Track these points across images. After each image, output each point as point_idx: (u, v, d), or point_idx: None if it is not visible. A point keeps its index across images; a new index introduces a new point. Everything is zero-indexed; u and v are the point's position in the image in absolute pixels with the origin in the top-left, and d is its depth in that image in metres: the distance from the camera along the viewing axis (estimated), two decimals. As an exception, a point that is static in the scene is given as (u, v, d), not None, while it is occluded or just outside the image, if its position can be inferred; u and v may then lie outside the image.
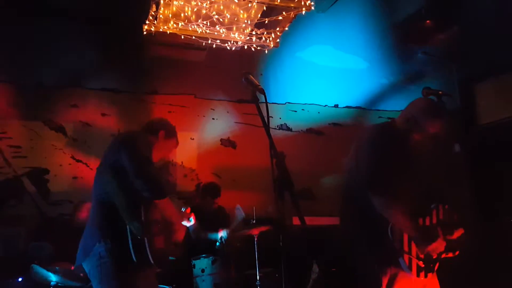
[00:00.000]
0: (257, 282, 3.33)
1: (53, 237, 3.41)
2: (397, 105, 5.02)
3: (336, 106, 4.93)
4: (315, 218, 3.96)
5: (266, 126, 1.74)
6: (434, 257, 2.19)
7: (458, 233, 2.22)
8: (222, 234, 3.52)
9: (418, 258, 2.13)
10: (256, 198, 3.93)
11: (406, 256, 2.12)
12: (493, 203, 4.34)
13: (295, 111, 4.77)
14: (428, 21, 3.74)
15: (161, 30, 3.62)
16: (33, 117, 3.93)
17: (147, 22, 3.64)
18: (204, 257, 3.37)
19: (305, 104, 4.82)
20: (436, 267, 2.21)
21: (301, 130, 4.74)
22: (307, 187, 4.56)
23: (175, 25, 3.56)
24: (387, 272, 2.14)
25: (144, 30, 3.68)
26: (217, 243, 3.46)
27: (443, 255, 2.23)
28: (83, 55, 4.11)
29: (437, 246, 2.16)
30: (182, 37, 3.65)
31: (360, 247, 2.25)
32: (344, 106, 4.96)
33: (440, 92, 2.36)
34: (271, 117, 4.64)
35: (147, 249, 1.90)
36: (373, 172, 2.13)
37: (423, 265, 2.14)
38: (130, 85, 4.29)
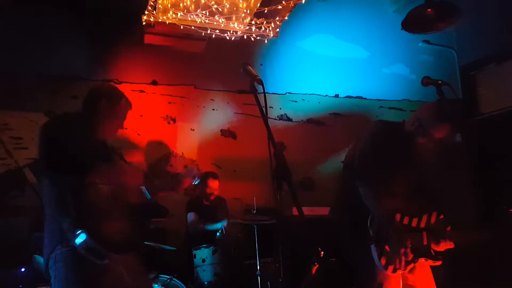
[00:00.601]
0: (258, 272, 3.36)
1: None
2: (398, 95, 5.00)
3: (336, 96, 4.91)
4: (315, 208, 3.96)
5: (264, 116, 1.74)
6: (409, 257, 2.20)
7: (445, 246, 2.24)
8: (222, 224, 3.54)
9: (392, 253, 2.15)
10: (256, 188, 3.95)
11: (377, 248, 2.15)
12: (494, 193, 4.34)
13: (296, 101, 4.74)
14: (429, 9, 3.69)
15: (160, 20, 3.60)
16: (34, 109, 3.93)
17: (146, 12, 3.62)
18: (205, 247, 3.40)
19: (306, 94, 4.79)
20: (408, 268, 2.22)
21: (302, 120, 4.72)
22: (307, 177, 4.56)
23: (174, 15, 3.54)
24: (372, 266, 2.18)
25: (143, 20, 3.66)
26: (218, 233, 3.49)
27: (422, 260, 2.25)
28: (83, 46, 4.09)
29: (415, 247, 2.19)
30: (181, 27, 3.64)
31: (349, 238, 2.29)
32: (345, 96, 4.93)
33: (439, 82, 2.35)
34: (271, 107, 4.65)
35: (92, 241, 1.69)
36: (365, 163, 2.16)
37: (396, 261, 2.17)
38: (129, 76, 4.28)
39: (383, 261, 2.16)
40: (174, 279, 3.18)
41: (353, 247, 2.30)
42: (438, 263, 2.27)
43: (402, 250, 2.17)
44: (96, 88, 2.24)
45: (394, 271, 2.18)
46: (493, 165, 4.65)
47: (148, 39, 4.05)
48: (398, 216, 2.25)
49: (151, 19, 3.58)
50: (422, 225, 2.29)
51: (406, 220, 2.25)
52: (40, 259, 3.00)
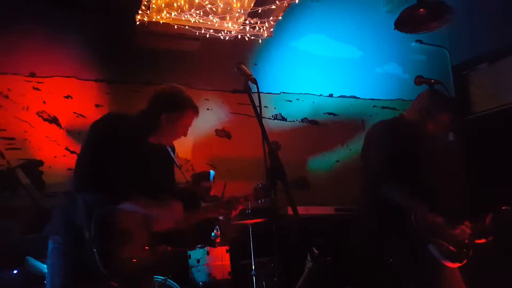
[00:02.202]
0: (253, 272, 3.36)
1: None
2: (391, 94, 5.03)
3: (330, 95, 4.92)
4: (309, 207, 3.98)
5: (259, 116, 1.74)
6: (466, 241, 2.18)
7: (483, 240, 2.24)
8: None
9: (448, 243, 2.13)
10: (251, 188, 3.94)
11: (437, 242, 2.12)
12: (486, 190, 4.38)
13: (290, 101, 4.75)
14: (422, 9, 3.72)
15: (154, 20, 3.59)
16: (26, 109, 3.89)
17: (139, 12, 3.60)
18: (200, 248, 3.39)
19: (300, 93, 4.80)
20: (470, 253, 2.20)
21: (296, 120, 4.73)
22: (302, 176, 4.57)
23: (168, 15, 3.53)
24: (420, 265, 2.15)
25: (137, 20, 3.64)
26: (212, 233, 3.48)
27: (476, 241, 2.23)
28: (76, 45, 4.06)
29: (463, 231, 2.17)
30: (175, 27, 3.62)
31: (383, 239, 2.27)
32: (339, 95, 4.95)
33: (432, 81, 2.38)
34: (266, 107, 4.66)
35: (98, 261, 1.66)
36: (386, 168, 2.15)
37: (454, 250, 2.14)
38: (123, 76, 4.25)
39: (446, 255, 2.11)
40: (168, 280, 3.16)
41: (394, 249, 2.26)
42: (490, 238, 2.27)
43: (456, 238, 2.14)
44: (162, 93, 2.08)
45: (462, 261, 2.15)
46: (485, 163, 4.69)
47: (141, 38, 4.03)
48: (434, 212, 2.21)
49: (145, 19, 3.57)
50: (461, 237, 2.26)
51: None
52: (32, 261, 2.97)
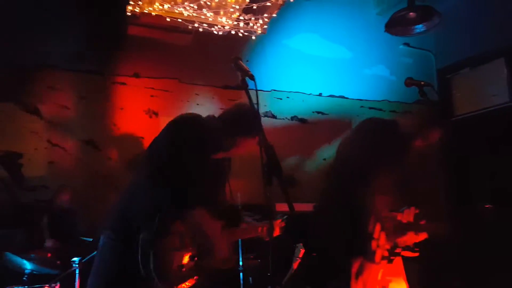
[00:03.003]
0: (240, 268, 3.37)
1: (28, 223, 3.31)
2: (378, 95, 5.13)
3: (320, 94, 4.97)
4: (297, 204, 4.00)
5: (257, 112, 1.74)
6: (398, 250, 2.31)
7: (422, 237, 2.35)
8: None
9: (384, 247, 2.26)
10: (242, 184, 3.94)
11: (374, 242, 2.23)
12: (469, 191, 4.54)
13: (280, 99, 4.77)
14: (411, 13, 3.80)
15: (145, 11, 3.53)
16: (4, 99, 3.76)
17: (131, 2, 3.54)
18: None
19: (290, 92, 4.83)
20: (394, 260, 2.33)
21: (286, 118, 4.76)
22: (290, 174, 4.61)
23: (160, 7, 3.49)
24: (357, 260, 2.25)
25: (128, 11, 3.58)
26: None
27: (404, 252, 2.36)
28: (63, 35, 3.95)
29: (407, 239, 2.29)
30: (168, 19, 3.58)
31: (334, 235, 2.35)
32: (328, 95, 5.01)
33: (422, 83, 2.43)
34: (256, 104, 4.63)
35: (151, 263, 1.65)
36: (364, 163, 2.21)
37: (386, 254, 2.26)
38: (111, 67, 4.16)
39: (378, 256, 2.22)
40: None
41: (342, 244, 2.35)
42: (416, 254, 2.38)
43: (395, 244, 2.25)
44: (242, 116, 2.02)
45: (388, 262, 2.25)
46: (467, 164, 4.85)
47: (132, 30, 3.96)
48: (390, 212, 2.32)
49: (137, 10, 3.50)
50: (405, 220, 2.38)
51: (396, 216, 2.34)
52: (11, 257, 2.86)
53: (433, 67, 5.52)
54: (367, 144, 2.27)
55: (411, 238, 2.33)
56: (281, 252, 3.20)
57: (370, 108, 5.14)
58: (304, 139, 4.70)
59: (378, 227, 2.21)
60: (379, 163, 2.20)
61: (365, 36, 5.04)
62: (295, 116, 4.78)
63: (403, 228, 2.29)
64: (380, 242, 2.25)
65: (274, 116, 4.70)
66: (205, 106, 4.45)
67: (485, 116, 4.93)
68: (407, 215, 2.38)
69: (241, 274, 3.37)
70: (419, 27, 3.95)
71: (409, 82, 2.51)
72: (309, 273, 3.33)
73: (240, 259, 3.39)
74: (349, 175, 2.28)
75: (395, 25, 3.93)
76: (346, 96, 5.05)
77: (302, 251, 3.27)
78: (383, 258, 2.24)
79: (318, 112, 4.88)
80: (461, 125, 5.18)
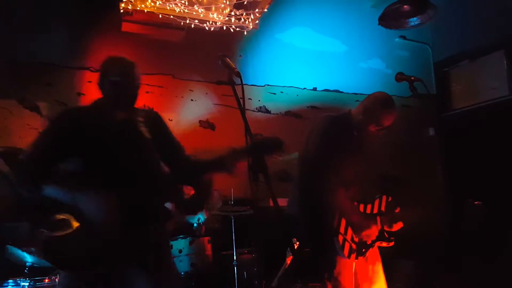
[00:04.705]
0: (234, 262, 3.41)
1: (29, 217, 3.36)
2: (374, 89, 5.10)
3: (314, 89, 4.96)
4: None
5: (242, 108, 1.77)
6: (368, 242, 2.33)
7: (397, 227, 2.37)
8: (199, 215, 3.56)
9: (352, 240, 2.28)
10: (234, 179, 3.95)
11: (340, 237, 2.25)
12: (464, 186, 4.52)
13: (274, 94, 4.76)
14: (405, 5, 3.77)
15: (138, 8, 3.54)
16: (5, 95, 3.81)
17: (123, 0, 3.55)
18: (182, 238, 3.42)
19: (284, 86, 4.82)
20: (367, 253, 2.35)
21: (280, 113, 4.75)
22: (283, 169, 4.62)
23: (152, 4, 3.49)
24: (328, 255, 2.28)
25: (121, 8, 3.59)
26: (195, 224, 3.50)
27: (378, 243, 2.38)
28: (58, 32, 3.97)
29: (371, 233, 2.31)
30: (160, 16, 3.58)
31: (302, 229, 2.38)
32: (323, 89, 4.99)
33: (412, 78, 2.45)
34: (250, 99, 4.66)
35: None
36: (321, 158, 2.24)
37: (355, 247, 2.29)
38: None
39: (346, 250, 2.25)
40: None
41: (313, 240, 2.38)
42: (391, 244, 2.41)
43: (363, 236, 2.27)
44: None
45: (356, 258, 2.29)
46: (463, 158, 4.83)
47: (125, 27, 3.97)
48: (355, 204, 2.35)
49: (129, 7, 3.51)
50: (375, 210, 2.41)
51: (361, 207, 2.37)
52: (13, 250, 2.92)
53: (430, 60, 5.47)
54: (322, 141, 2.30)
55: (374, 231, 2.35)
56: (275, 247, 3.24)
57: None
58: (298, 134, 4.68)
59: (343, 222, 2.24)
60: (337, 157, 2.22)
61: (360, 29, 5.00)
62: (289, 111, 4.78)
63: (370, 220, 2.32)
64: (347, 236, 2.27)
65: (268, 111, 4.70)
66: (199, 101, 4.47)
67: (484, 110, 4.89)
68: (377, 205, 2.40)
69: (235, 268, 3.41)
70: (414, 20, 3.93)
71: (399, 77, 2.53)
72: (300, 268, 3.36)
73: (234, 254, 3.43)
74: (308, 172, 2.31)
75: (389, 19, 3.91)
76: (341, 90, 5.03)
77: (296, 246, 3.29)
78: (351, 251, 2.26)
79: (313, 107, 4.87)
80: (460, 118, 5.15)
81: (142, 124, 1.98)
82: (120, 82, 1.93)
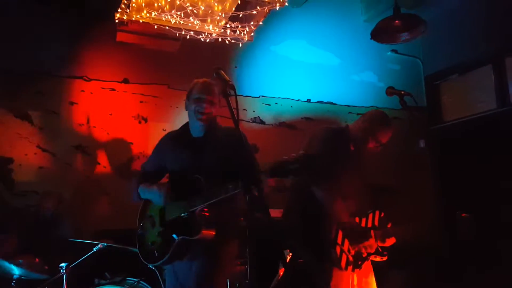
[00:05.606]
0: (226, 273, 3.37)
1: (18, 229, 3.32)
2: (366, 101, 5.17)
3: (308, 101, 5.01)
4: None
5: (236, 120, 1.79)
6: (364, 255, 2.35)
7: (390, 242, 2.40)
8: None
9: (349, 252, 2.30)
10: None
11: (338, 248, 2.27)
12: (455, 198, 4.57)
13: (269, 105, 4.80)
14: (397, 21, 3.85)
15: (133, 19, 3.56)
16: (-4, 105, 3.78)
17: (119, 10, 3.57)
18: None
19: (279, 98, 4.86)
20: (362, 265, 2.37)
21: (274, 124, 4.78)
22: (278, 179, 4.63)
23: (148, 15, 3.51)
24: (325, 266, 2.29)
25: (116, 18, 3.60)
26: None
27: (372, 257, 2.40)
28: (51, 41, 3.98)
29: (369, 245, 2.33)
30: (155, 26, 3.61)
31: (299, 240, 2.39)
32: (316, 101, 5.04)
33: (402, 92, 2.51)
34: (245, 109, 4.69)
35: None
36: (320, 169, 2.27)
37: (352, 260, 2.30)
38: (100, 73, 4.19)
39: (343, 262, 2.26)
40: (141, 282, 3.14)
41: (308, 251, 2.39)
42: (385, 258, 2.43)
43: (359, 249, 2.28)
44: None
45: (353, 270, 2.29)
46: (453, 169, 4.90)
47: (120, 36, 3.99)
48: (357, 219, 2.37)
49: (125, 17, 3.53)
50: (369, 224, 2.43)
51: (357, 220, 2.39)
52: (0, 262, 2.86)
53: (421, 73, 5.57)
54: (322, 150, 2.33)
55: (373, 244, 2.37)
56: (267, 259, 3.22)
57: (358, 114, 5.16)
58: (292, 145, 4.71)
59: (340, 233, 2.25)
60: (335, 170, 2.25)
61: (353, 42, 5.09)
62: (283, 122, 4.82)
63: (366, 233, 2.34)
64: (344, 248, 2.29)
65: (262, 122, 4.73)
66: (193, 112, 4.47)
67: (473, 123, 4.98)
68: (371, 220, 2.42)
69: (227, 280, 3.38)
70: (405, 35, 4.02)
71: (390, 91, 2.60)
72: (294, 280, 3.35)
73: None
74: (305, 183, 2.33)
75: (381, 33, 3.99)
76: (334, 102, 5.08)
77: (289, 257, 3.28)
78: (348, 263, 2.27)
79: (307, 118, 4.92)
80: (450, 131, 5.23)
81: None
82: None
